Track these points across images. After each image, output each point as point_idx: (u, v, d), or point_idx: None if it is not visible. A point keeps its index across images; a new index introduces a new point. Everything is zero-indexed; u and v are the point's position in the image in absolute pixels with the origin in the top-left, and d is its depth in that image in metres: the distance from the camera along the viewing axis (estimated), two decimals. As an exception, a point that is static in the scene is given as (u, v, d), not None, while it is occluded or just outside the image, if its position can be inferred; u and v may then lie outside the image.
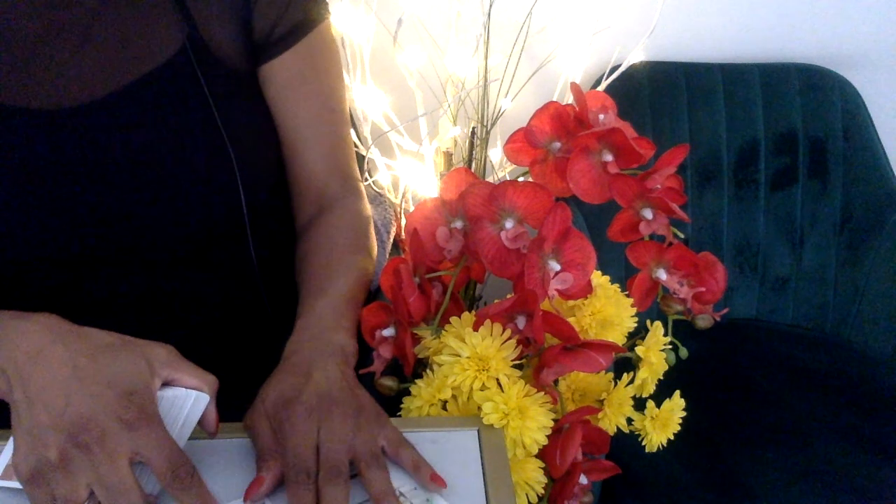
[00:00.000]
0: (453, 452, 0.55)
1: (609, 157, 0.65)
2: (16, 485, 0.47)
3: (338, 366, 0.59)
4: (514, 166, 1.23)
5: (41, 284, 0.70)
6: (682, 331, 0.70)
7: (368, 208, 0.82)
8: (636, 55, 1.29)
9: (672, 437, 0.69)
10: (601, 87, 1.28)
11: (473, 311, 0.64)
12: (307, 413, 0.53)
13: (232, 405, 0.60)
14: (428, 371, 0.62)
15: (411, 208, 1.21)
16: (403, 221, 1.19)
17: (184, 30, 0.70)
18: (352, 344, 0.64)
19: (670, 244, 0.68)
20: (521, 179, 0.63)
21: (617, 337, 0.71)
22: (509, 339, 0.60)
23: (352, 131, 0.88)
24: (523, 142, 0.67)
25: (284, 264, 0.79)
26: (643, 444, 0.69)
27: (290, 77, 0.76)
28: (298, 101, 0.77)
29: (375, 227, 0.95)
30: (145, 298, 0.72)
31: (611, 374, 0.70)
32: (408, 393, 0.63)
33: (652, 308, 0.70)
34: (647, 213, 0.66)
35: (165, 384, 0.52)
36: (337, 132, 0.80)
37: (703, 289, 0.69)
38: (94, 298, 0.71)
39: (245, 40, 0.73)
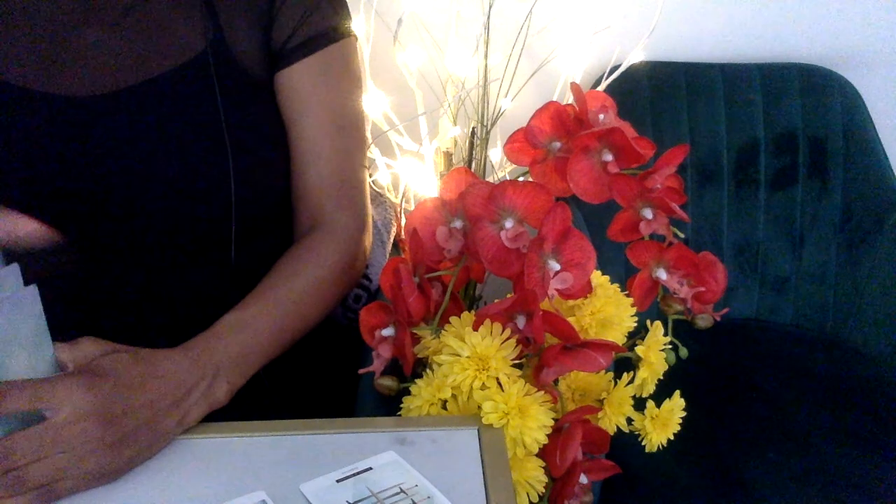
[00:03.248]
0: (453, 452, 0.55)
1: (609, 157, 0.65)
2: None
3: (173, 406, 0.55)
4: (514, 166, 1.23)
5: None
6: (682, 331, 0.70)
7: (366, 234, 0.80)
8: (636, 55, 1.29)
9: (672, 437, 0.69)
10: (601, 87, 1.27)
11: (473, 311, 0.64)
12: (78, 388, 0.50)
13: (227, 405, 0.60)
14: (428, 371, 0.62)
15: (411, 208, 1.21)
16: (403, 221, 1.19)
17: (209, 32, 0.71)
18: (225, 390, 0.60)
19: (670, 244, 0.68)
20: (521, 179, 0.63)
21: (617, 337, 0.71)
22: (509, 338, 0.60)
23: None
24: (523, 142, 0.67)
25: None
26: (643, 444, 0.69)
27: (300, 88, 0.75)
28: (305, 113, 0.76)
29: (376, 227, 0.95)
30: (135, 290, 0.72)
31: (611, 374, 0.70)
32: (408, 393, 0.63)
33: (652, 308, 0.70)
34: (647, 213, 0.66)
35: None
36: (342, 151, 0.78)
37: (703, 289, 0.69)
38: (89, 284, 0.71)
39: (265, 46, 0.74)
